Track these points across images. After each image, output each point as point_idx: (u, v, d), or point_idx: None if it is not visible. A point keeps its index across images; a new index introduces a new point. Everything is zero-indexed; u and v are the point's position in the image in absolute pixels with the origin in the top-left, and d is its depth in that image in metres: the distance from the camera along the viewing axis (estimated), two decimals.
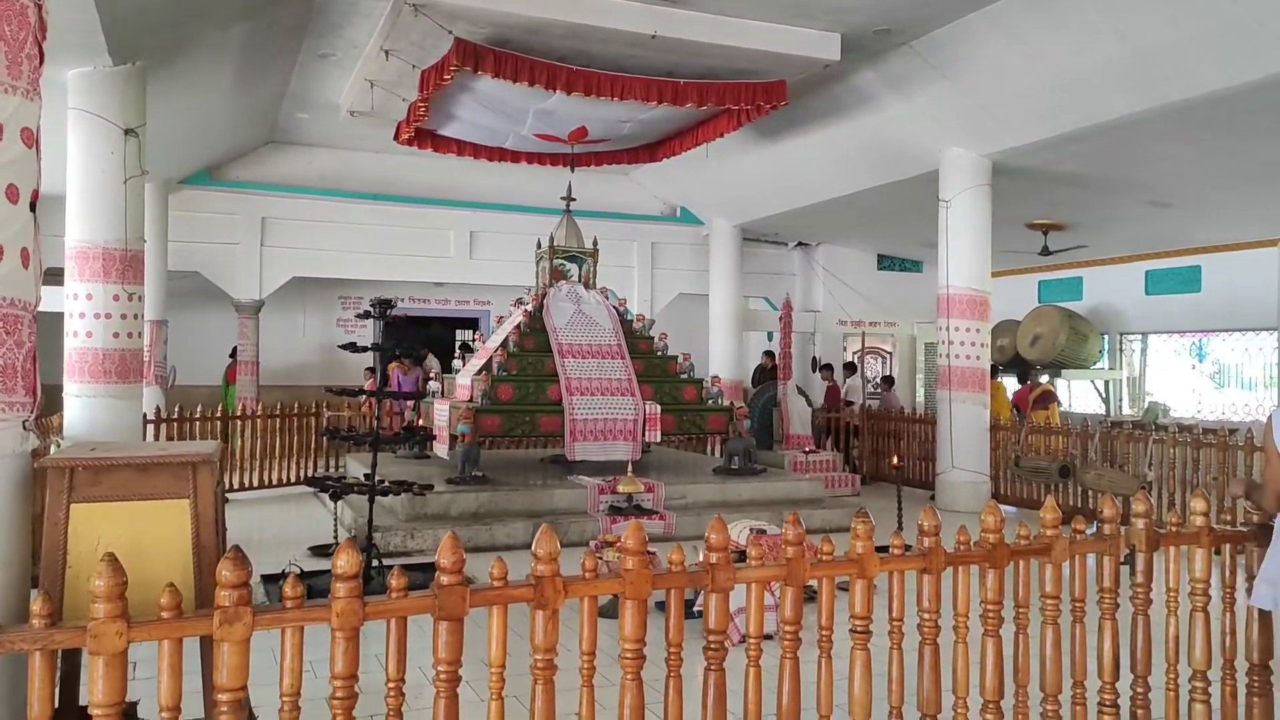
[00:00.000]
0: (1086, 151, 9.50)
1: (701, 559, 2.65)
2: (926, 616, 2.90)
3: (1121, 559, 3.29)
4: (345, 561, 2.24)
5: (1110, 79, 8.05)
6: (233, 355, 13.77)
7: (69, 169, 7.38)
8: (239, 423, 10.64)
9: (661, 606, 2.70)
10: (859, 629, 2.80)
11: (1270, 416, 3.38)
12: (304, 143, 13.44)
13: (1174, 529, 3.42)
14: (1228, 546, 3.61)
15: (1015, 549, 3.05)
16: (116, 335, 7.37)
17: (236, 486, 10.34)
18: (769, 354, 15.07)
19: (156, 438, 9.62)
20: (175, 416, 9.98)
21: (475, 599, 2.35)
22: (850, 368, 15.20)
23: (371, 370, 13.87)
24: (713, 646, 2.63)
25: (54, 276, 8.44)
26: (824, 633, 2.77)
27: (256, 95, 10.94)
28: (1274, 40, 6.84)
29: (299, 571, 5.97)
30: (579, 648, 2.49)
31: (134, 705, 2.63)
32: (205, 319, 14.41)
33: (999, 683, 2.99)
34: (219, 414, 10.34)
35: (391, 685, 2.30)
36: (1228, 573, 3.57)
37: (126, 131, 7.42)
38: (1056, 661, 3.12)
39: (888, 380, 15.00)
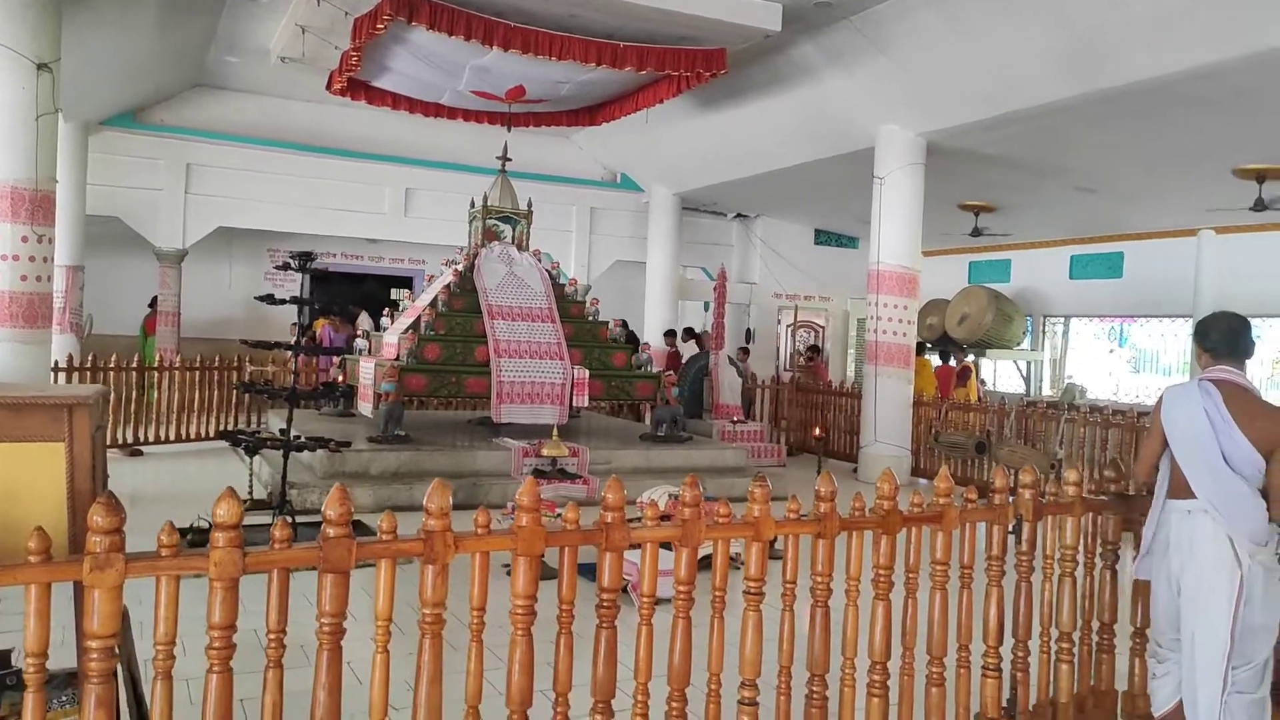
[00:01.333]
0: (1019, 134, 9.67)
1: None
2: (819, 580, 2.96)
3: (1010, 528, 3.39)
4: (225, 510, 2.20)
5: (1046, 63, 8.17)
6: (152, 305, 13.36)
7: None
8: (156, 374, 10.35)
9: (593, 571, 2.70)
10: (752, 590, 2.84)
11: (1161, 395, 3.51)
12: (233, 88, 13.02)
13: (1053, 499, 3.54)
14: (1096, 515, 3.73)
15: (908, 516, 3.12)
16: (25, 278, 7.09)
17: (153, 440, 10.09)
18: (688, 330, 15.11)
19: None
20: (87, 365, 9.67)
21: (362, 552, 2.33)
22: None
23: (300, 325, 13.61)
24: (605, 605, 2.65)
25: None
26: (717, 594, 2.80)
27: (182, 35, 10.54)
28: (1203, 33, 7.00)
29: (206, 525, 5.86)
30: (469, 603, 2.49)
31: (6, 653, 2.56)
32: (125, 266, 13.94)
33: (886, 645, 3.07)
34: (134, 364, 10.03)
35: (272, 637, 2.27)
36: (1089, 539, 3.69)
37: (39, 66, 7.08)
38: (944, 625, 3.21)
39: (743, 350, 15.04)
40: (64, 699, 2.43)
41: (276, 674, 2.28)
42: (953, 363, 14.20)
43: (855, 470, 10.76)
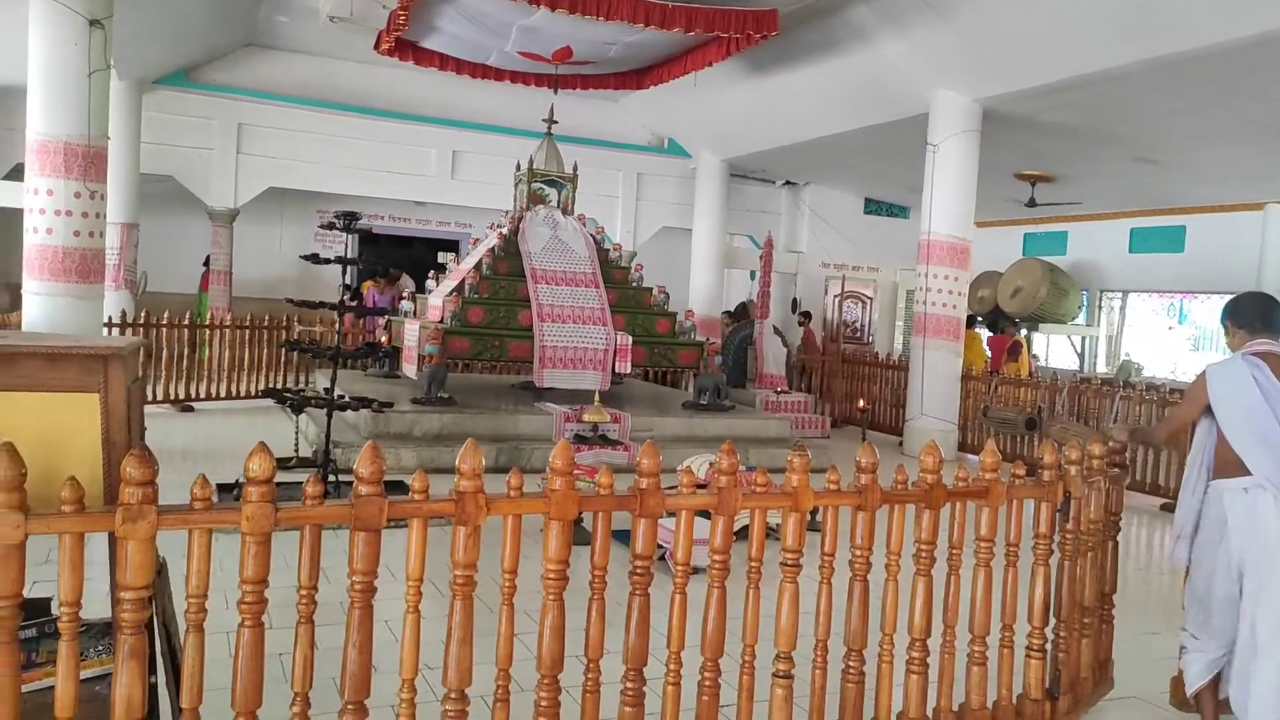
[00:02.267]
0: (1078, 101, 9.34)
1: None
2: (859, 553, 2.89)
3: (1058, 505, 3.29)
4: (258, 465, 2.18)
5: (1108, 27, 7.86)
6: (206, 264, 13.56)
7: (30, 59, 7.13)
8: (207, 332, 10.50)
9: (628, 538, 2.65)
10: (789, 561, 2.78)
11: (1206, 371, 3.41)
12: (284, 48, 13.06)
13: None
14: None
15: (952, 491, 3.03)
16: (77, 234, 7.20)
17: (204, 396, 10.28)
18: (743, 305, 15.00)
19: None
20: (138, 321, 9.85)
21: (393, 510, 2.31)
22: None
23: (346, 286, 13.73)
24: (638, 571, 2.61)
25: (18, 172, 8.23)
26: (753, 564, 2.75)
27: None
28: None
29: None
30: (500, 565, 2.46)
31: (46, 602, 2.59)
32: (180, 224, 14.16)
33: (927, 622, 3.00)
34: (185, 321, 10.18)
35: (303, 593, 2.26)
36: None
37: (92, 22, 7.14)
38: (987, 604, 3.13)
39: (805, 315, 14.85)
40: (100, 648, 2.45)
41: (307, 630, 2.28)
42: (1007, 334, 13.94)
43: (901, 444, 10.62)
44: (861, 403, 8.56)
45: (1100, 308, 15.81)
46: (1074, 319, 15.20)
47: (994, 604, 3.15)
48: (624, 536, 3.45)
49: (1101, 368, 15.49)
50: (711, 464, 6.37)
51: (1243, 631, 3.17)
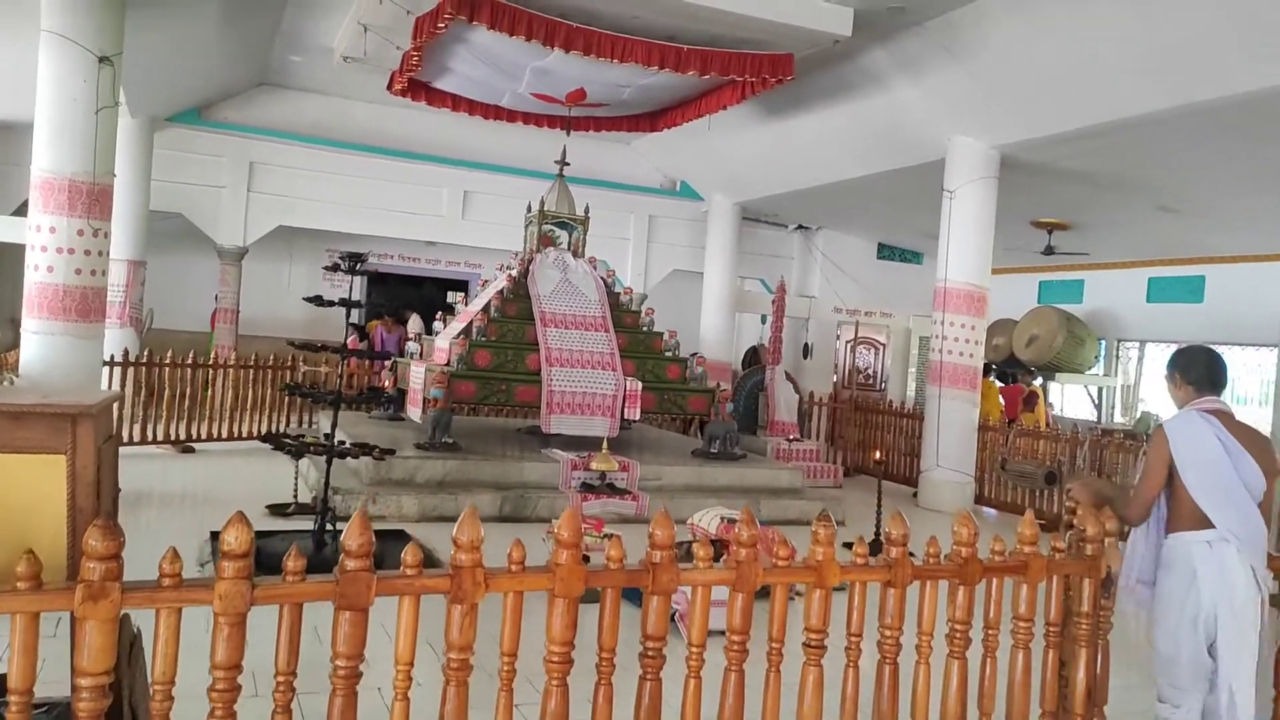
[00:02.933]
0: (1101, 149, 9.20)
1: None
2: (888, 633, 2.67)
3: (1101, 580, 3.06)
4: (234, 538, 1.98)
5: (1134, 73, 7.72)
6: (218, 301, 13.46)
7: (39, 95, 7.06)
8: (210, 372, 10.34)
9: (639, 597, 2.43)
10: (814, 643, 2.56)
11: (1164, 427, 3.35)
12: (296, 87, 13.06)
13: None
14: None
15: (989, 565, 2.81)
16: (79, 271, 7.07)
17: (205, 437, 10.10)
18: (754, 350, 14.80)
19: (120, 381, 9.35)
20: (139, 360, 9.70)
21: (382, 587, 2.11)
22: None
23: (353, 325, 13.58)
24: (649, 654, 2.40)
25: (25, 208, 8.13)
26: (774, 645, 2.53)
27: (246, 32, 10.57)
28: None
29: None
30: (499, 648, 2.25)
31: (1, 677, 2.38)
32: (189, 262, 14.07)
33: (961, 709, 2.77)
34: (189, 360, 10.03)
35: (280, 680, 2.06)
36: None
37: (101, 59, 7.08)
38: (1025, 688, 2.89)
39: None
40: None
41: None
42: (1020, 384, 13.70)
43: (915, 495, 10.35)
44: (877, 454, 8.31)
45: (1118, 357, 15.57)
46: (1091, 368, 14.96)
47: (1032, 688, 2.91)
48: (634, 596, 3.23)
49: (1119, 419, 15.20)
50: (723, 518, 6.14)
51: (1221, 699, 3.08)
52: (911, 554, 2.70)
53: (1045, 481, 9.12)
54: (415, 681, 2.18)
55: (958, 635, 2.76)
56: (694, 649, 2.43)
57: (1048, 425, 12.09)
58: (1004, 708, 2.88)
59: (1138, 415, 14.58)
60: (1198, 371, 3.44)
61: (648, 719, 2.39)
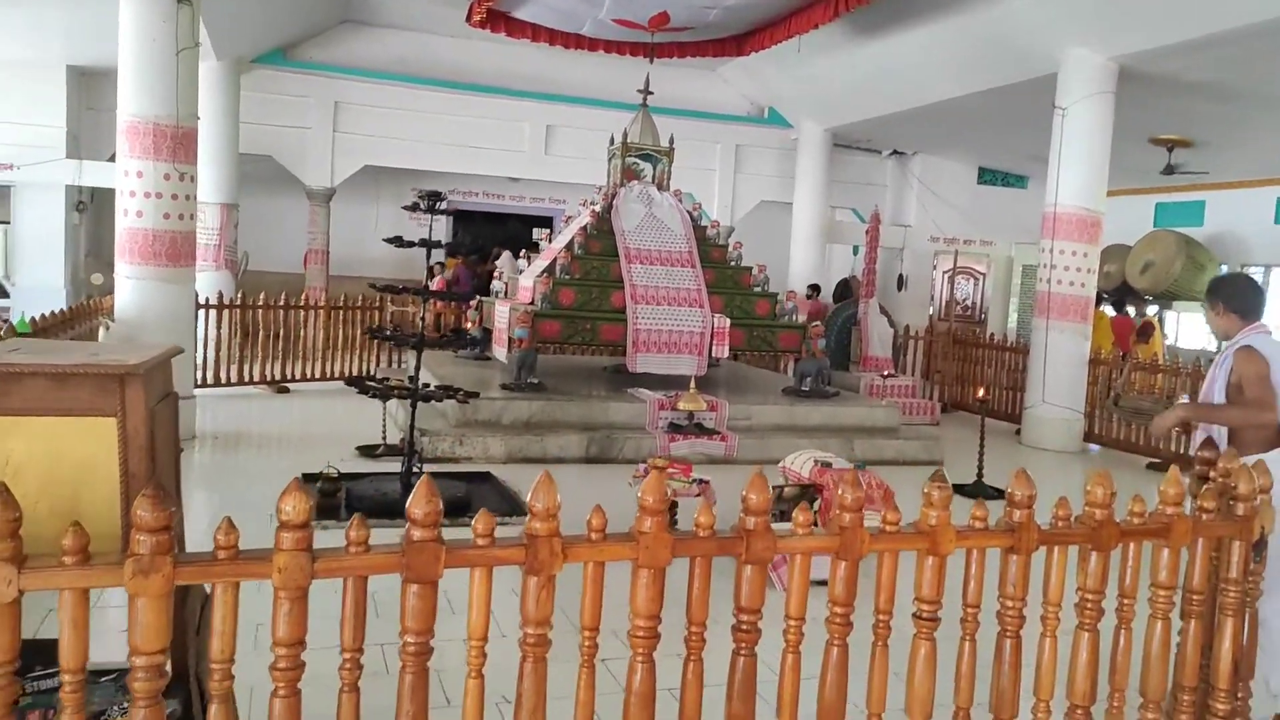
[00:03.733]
0: (1230, 58, 8.38)
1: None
2: (1010, 604, 2.39)
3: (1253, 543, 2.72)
4: (292, 507, 1.83)
5: None
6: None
7: (121, 39, 7.04)
8: (301, 313, 10.46)
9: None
10: (926, 614, 2.31)
11: (1252, 346, 3.43)
12: (378, 23, 12.91)
13: None
14: None
15: (1126, 528, 2.49)
16: (167, 216, 7.10)
17: (299, 377, 10.26)
18: (814, 287, 14.20)
19: (216, 323, 9.52)
20: (233, 303, 9.85)
21: (452, 559, 1.94)
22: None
23: (440, 265, 13.58)
24: (744, 627, 2.19)
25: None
26: (882, 618, 2.29)
27: None
28: None
29: (336, 474, 5.73)
30: (580, 620, 2.07)
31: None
32: (280, 204, 14.27)
33: (1091, 686, 2.49)
34: (281, 302, 10.15)
35: (347, 656, 1.91)
36: None
37: (180, 0, 7.01)
38: (1164, 662, 2.59)
39: (812, 288, 13.95)
40: (127, 704, 2.15)
41: (352, 699, 1.93)
42: (1131, 313, 12.88)
43: (1018, 432, 9.88)
44: (981, 391, 7.88)
45: None
46: None
47: (1169, 663, 2.62)
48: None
49: None
50: (817, 461, 5.87)
51: None
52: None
53: None
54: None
55: (1089, 606, 2.47)
56: (792, 622, 2.21)
57: (1163, 358, 11.38)
58: (1137, 684, 2.60)
59: None
60: (1243, 301, 3.54)
61: (741, 697, 2.19)
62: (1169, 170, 12.02)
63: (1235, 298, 3.54)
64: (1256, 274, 14.45)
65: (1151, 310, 13.18)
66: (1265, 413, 3.33)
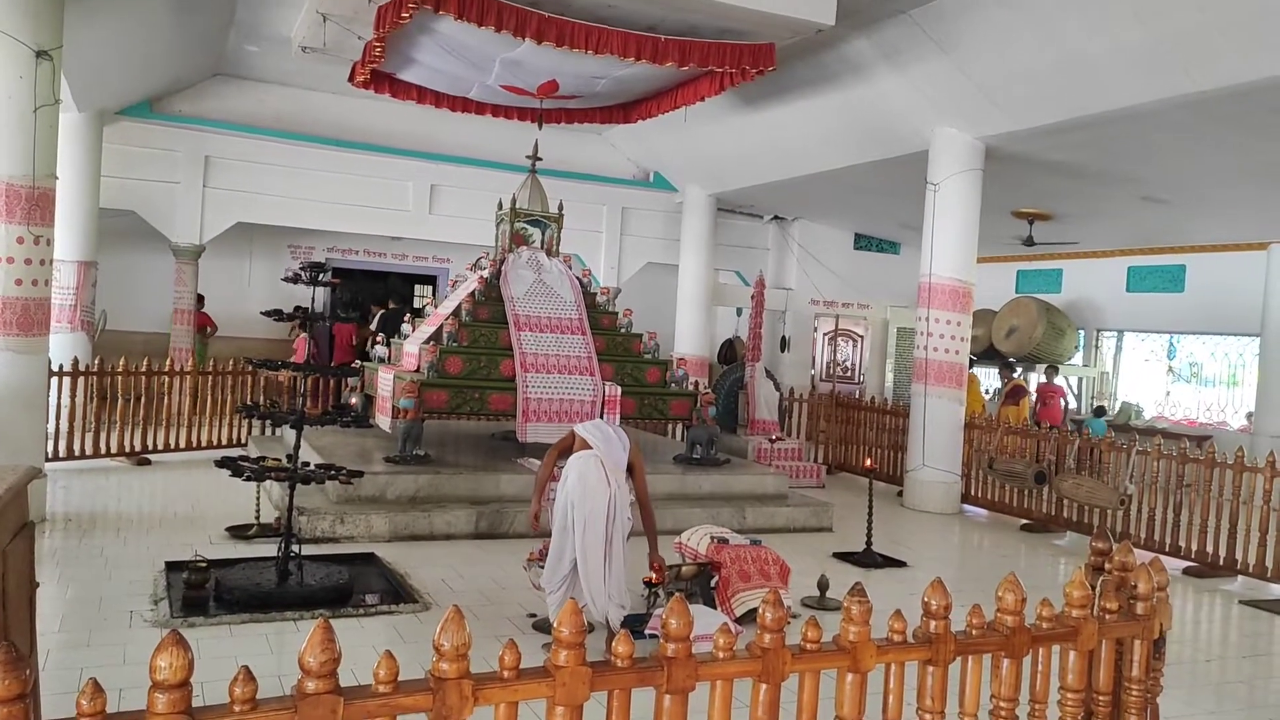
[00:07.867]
0: (1088, 140, 8.96)
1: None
2: (929, 718, 2.36)
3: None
4: (167, 664, 1.62)
5: (1123, 65, 7.48)
6: (200, 303, 12.90)
7: None
8: (165, 379, 9.85)
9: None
10: None
11: None
12: (254, 78, 12.52)
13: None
14: None
15: (1038, 634, 2.50)
16: (19, 282, 6.58)
17: (163, 447, 9.64)
18: (729, 343, 14.49)
19: (70, 391, 8.86)
20: (89, 370, 9.21)
21: (350, 712, 1.75)
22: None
23: (302, 326, 13.07)
24: None
25: None
26: None
27: (199, 22, 10.05)
28: None
29: (204, 563, 5.34)
30: None
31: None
32: (144, 261, 13.49)
33: None
34: (139, 368, 9.54)
35: None
36: None
37: (38, 54, 6.57)
38: None
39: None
40: None
41: None
42: (1060, 382, 13.67)
43: (900, 494, 10.12)
44: (869, 461, 8.03)
45: (1096, 347, 15.45)
46: (1070, 359, 14.82)
47: None
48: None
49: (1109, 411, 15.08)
50: (713, 537, 5.82)
51: None
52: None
53: (1035, 481, 8.91)
54: None
55: (1003, 713, 2.46)
56: None
57: (1035, 420, 11.93)
58: None
59: (1119, 406, 14.46)
60: None
61: None
62: (1029, 242, 12.72)
63: None
64: (1109, 339, 15.40)
65: (1017, 373, 13.81)
66: None
